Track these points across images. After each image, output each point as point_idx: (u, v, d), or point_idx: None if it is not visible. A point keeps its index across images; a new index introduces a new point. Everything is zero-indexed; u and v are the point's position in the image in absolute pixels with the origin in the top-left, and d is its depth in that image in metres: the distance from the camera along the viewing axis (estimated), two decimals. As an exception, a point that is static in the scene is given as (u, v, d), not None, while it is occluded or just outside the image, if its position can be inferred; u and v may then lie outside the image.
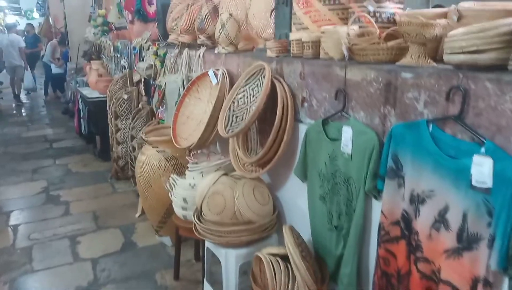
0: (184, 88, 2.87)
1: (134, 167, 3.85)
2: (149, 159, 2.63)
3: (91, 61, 5.59)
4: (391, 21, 1.63)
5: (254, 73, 2.00)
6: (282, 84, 1.82)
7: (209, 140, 2.31)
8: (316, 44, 1.74)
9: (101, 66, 5.30)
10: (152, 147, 2.65)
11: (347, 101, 1.49)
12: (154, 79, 3.58)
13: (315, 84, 1.66)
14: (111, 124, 4.09)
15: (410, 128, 1.23)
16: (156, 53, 3.48)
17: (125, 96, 3.97)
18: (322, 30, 1.67)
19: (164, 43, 3.59)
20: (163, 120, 3.41)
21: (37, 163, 4.70)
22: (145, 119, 3.72)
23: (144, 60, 3.86)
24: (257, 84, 2.00)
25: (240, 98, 2.05)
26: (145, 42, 3.92)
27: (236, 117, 2.03)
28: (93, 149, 4.99)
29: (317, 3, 1.82)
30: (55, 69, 8.60)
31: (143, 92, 3.98)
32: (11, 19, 18.51)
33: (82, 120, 5.25)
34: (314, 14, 1.83)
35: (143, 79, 3.94)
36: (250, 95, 2.02)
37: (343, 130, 1.47)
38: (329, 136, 1.56)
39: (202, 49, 2.76)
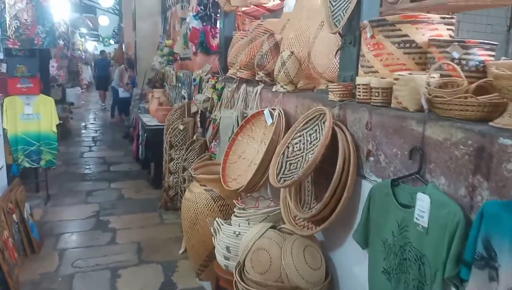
0: (238, 125, 2.76)
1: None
2: (195, 197, 2.51)
3: (154, 89, 5.74)
4: (480, 70, 1.38)
5: (314, 117, 1.81)
6: (344, 133, 1.61)
7: (259, 184, 2.14)
8: (387, 91, 1.52)
9: (163, 95, 5.41)
10: (200, 185, 2.52)
11: (425, 162, 1.25)
12: (210, 112, 3.52)
13: (384, 137, 1.43)
14: (166, 153, 4.08)
15: (509, 209, 0.96)
16: (214, 86, 3.43)
17: (181, 127, 3.95)
18: (396, 76, 1.46)
19: (223, 77, 3.54)
20: (215, 155, 3.31)
21: (93, 185, 4.81)
22: (198, 151, 3.65)
23: (203, 92, 3.84)
24: (316, 130, 1.81)
25: (296, 144, 1.87)
26: (205, 74, 3.91)
27: (290, 164, 1.84)
28: (147, 176, 5.03)
29: (390, 45, 1.62)
30: (122, 93, 9.04)
31: (199, 124, 3.94)
32: (90, 45, 20.20)
33: (140, 146, 5.35)
34: (386, 57, 1.62)
35: (200, 111, 3.92)
36: (307, 141, 1.83)
37: (418, 197, 1.22)
38: (400, 201, 1.32)
39: (260, 86, 2.64)
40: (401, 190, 1.33)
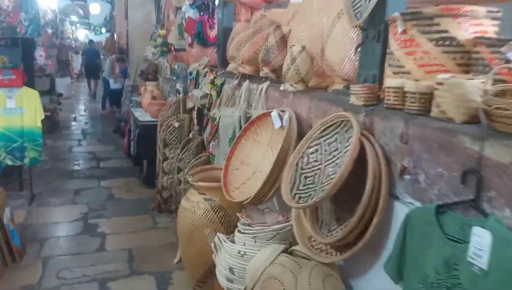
0: (241, 126, 2.52)
1: (178, 201, 3.54)
2: (193, 206, 2.27)
3: (146, 82, 5.46)
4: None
5: (333, 124, 1.57)
6: (373, 145, 1.38)
7: (267, 196, 1.90)
8: (426, 97, 1.29)
9: (156, 88, 5.13)
10: (199, 193, 2.28)
11: (482, 189, 1.02)
12: (208, 110, 3.27)
13: (425, 152, 1.20)
14: (159, 152, 3.82)
15: None
16: (212, 82, 3.17)
17: (176, 124, 3.69)
18: (438, 79, 1.22)
19: (222, 71, 3.29)
20: (213, 156, 3.07)
21: (82, 184, 4.54)
22: (194, 151, 3.40)
23: (199, 87, 3.58)
24: (336, 139, 1.57)
25: (312, 154, 1.63)
26: (202, 68, 3.65)
27: (306, 177, 1.61)
28: (139, 173, 4.77)
29: (426, 42, 1.38)
30: (113, 84, 8.71)
31: (195, 121, 3.69)
32: (81, 33, 19.66)
33: (132, 142, 5.08)
34: (420, 56, 1.39)
35: (196, 107, 3.66)
36: (325, 151, 1.59)
37: (475, 231, 1.00)
38: (447, 232, 1.09)
39: (265, 84, 2.39)
40: (449, 220, 1.10)
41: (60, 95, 8.98)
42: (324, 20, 2.19)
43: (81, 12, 13.28)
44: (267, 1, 3.96)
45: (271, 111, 2.07)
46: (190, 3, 4.42)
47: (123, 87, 8.18)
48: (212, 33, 4.19)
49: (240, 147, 2.27)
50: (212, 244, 1.94)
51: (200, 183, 2.28)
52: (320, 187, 1.48)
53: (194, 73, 3.80)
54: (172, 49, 5.80)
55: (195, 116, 3.71)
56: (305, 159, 1.65)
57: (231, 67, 3.02)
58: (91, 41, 11.44)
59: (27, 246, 3.06)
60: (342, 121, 1.54)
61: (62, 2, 11.95)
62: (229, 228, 2.22)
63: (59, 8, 10.96)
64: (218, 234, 1.94)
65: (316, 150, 1.63)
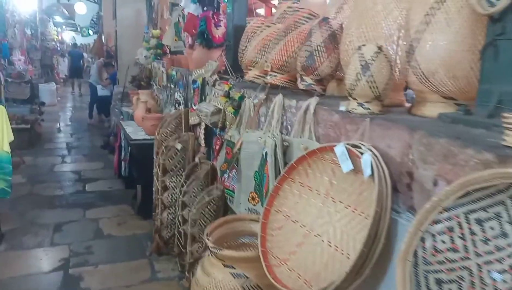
0: (276, 158, 1.81)
1: (181, 243, 2.82)
2: (216, 284, 1.54)
3: (139, 91, 4.70)
4: None
5: (491, 188, 0.87)
6: None
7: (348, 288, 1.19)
8: None
9: (151, 98, 4.38)
10: (224, 264, 1.56)
11: None
12: (222, 129, 2.55)
13: None
14: (157, 180, 3.08)
15: None
16: (227, 94, 2.44)
17: (179, 146, 2.96)
18: None
19: (237, 80, 2.58)
20: (231, 192, 2.35)
21: (63, 215, 3.77)
22: (203, 182, 2.68)
23: (208, 100, 2.85)
24: (499, 216, 0.86)
25: (442, 235, 0.93)
26: (210, 75, 2.92)
27: (439, 282, 0.90)
28: (132, 201, 4.02)
29: None
30: (101, 91, 7.94)
31: (202, 142, 2.96)
32: (67, 35, 18.75)
33: (123, 162, 4.34)
34: None
35: (203, 124, 2.94)
36: (474, 235, 0.88)
37: None
38: None
39: (313, 100, 1.67)
40: None
41: (42, 104, 8.15)
42: (401, 9, 1.51)
43: (66, 12, 12.41)
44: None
45: (335, 146, 1.36)
46: (191, -4, 3.70)
47: (111, 94, 7.42)
48: (218, 32, 3.48)
49: (283, 195, 1.55)
50: None
51: (226, 252, 1.55)
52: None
53: (199, 82, 3.07)
54: (168, 51, 5.07)
55: (202, 135, 2.98)
56: (429, 242, 0.95)
57: (251, 75, 2.31)
58: (75, 44, 11.19)
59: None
60: (510, 186, 0.84)
61: (45, 1, 11.11)
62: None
63: (40, 8, 10.11)
64: None
65: (451, 229, 0.93)
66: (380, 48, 1.38)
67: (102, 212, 3.85)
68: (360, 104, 1.42)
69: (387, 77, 1.38)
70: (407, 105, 1.68)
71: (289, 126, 1.87)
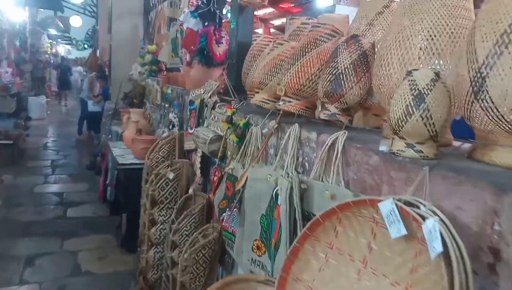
0: (290, 202, 1.46)
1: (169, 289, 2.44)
2: None
3: (131, 109, 4.36)
4: None
5: None
6: None
7: None
8: None
9: (142, 118, 4.04)
10: None
11: None
12: (222, 160, 2.21)
13: None
14: (144, 213, 2.71)
15: None
16: (230, 120, 2.11)
17: (171, 175, 2.60)
18: None
19: (242, 104, 2.25)
20: (230, 234, 2.00)
21: (38, 245, 3.36)
22: (197, 219, 2.32)
23: (206, 124, 2.52)
24: None
25: None
26: (209, 96, 2.60)
27: None
28: (117, 230, 3.62)
29: None
30: (92, 106, 7.58)
31: (198, 171, 2.61)
32: (62, 48, 18.49)
33: (108, 187, 3.96)
34: None
35: (200, 151, 2.60)
36: None
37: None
38: None
39: (341, 135, 1.34)
40: None
41: (29, 118, 7.76)
42: (459, 25, 1.20)
43: (61, 24, 12.14)
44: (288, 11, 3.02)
45: (383, 200, 1.01)
46: (191, 10, 3.41)
47: (103, 110, 7.07)
48: (220, 50, 3.18)
49: (304, 259, 1.20)
50: None
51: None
52: None
53: (197, 103, 2.74)
54: (164, 68, 4.77)
55: (198, 163, 2.63)
56: None
57: (258, 98, 1.98)
58: (62, 57, 11.75)
59: None
60: None
61: (40, 13, 10.84)
62: None
63: (32, 19, 9.83)
64: None
65: None
66: (437, 74, 1.07)
67: (82, 242, 3.45)
68: (410, 146, 1.09)
69: (446, 111, 1.06)
70: (455, 144, 1.36)
71: (306, 164, 1.53)
